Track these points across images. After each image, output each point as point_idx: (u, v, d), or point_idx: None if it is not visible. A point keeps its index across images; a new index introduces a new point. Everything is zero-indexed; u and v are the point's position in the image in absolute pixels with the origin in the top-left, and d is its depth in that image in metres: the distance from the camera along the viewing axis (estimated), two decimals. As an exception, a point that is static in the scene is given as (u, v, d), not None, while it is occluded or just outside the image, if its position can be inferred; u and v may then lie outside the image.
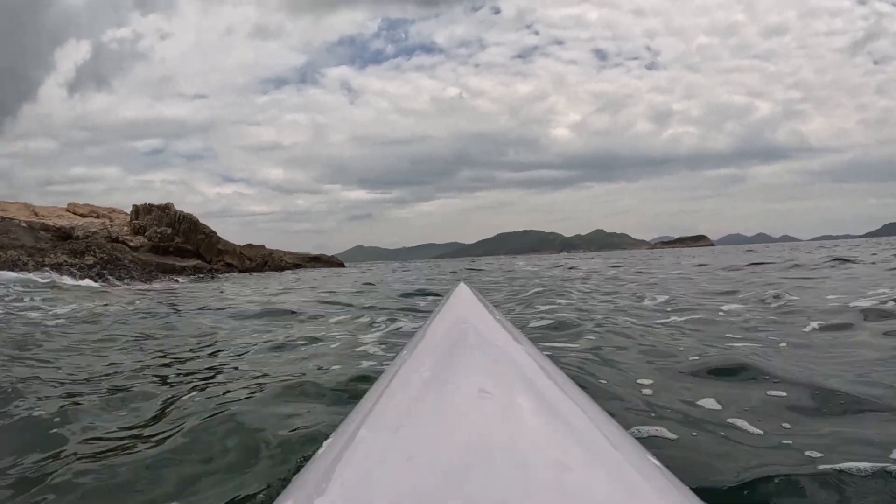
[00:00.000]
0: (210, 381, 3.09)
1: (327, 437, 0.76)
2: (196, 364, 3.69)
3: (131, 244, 36.65)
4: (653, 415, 2.12)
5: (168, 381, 3.12)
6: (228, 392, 2.73)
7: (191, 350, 4.27)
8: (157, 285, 17.67)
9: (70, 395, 2.76)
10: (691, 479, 1.45)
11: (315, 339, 4.41)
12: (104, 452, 1.96)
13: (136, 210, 38.61)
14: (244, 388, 2.80)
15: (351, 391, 2.55)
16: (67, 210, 44.09)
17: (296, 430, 2.08)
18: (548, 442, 0.62)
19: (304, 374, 3.06)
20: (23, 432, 2.21)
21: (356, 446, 0.65)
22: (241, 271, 35.82)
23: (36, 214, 41.57)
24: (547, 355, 1.18)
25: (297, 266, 36.45)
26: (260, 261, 36.21)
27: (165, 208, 37.90)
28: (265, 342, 4.39)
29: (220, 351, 4.20)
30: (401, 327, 4.99)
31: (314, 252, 41.86)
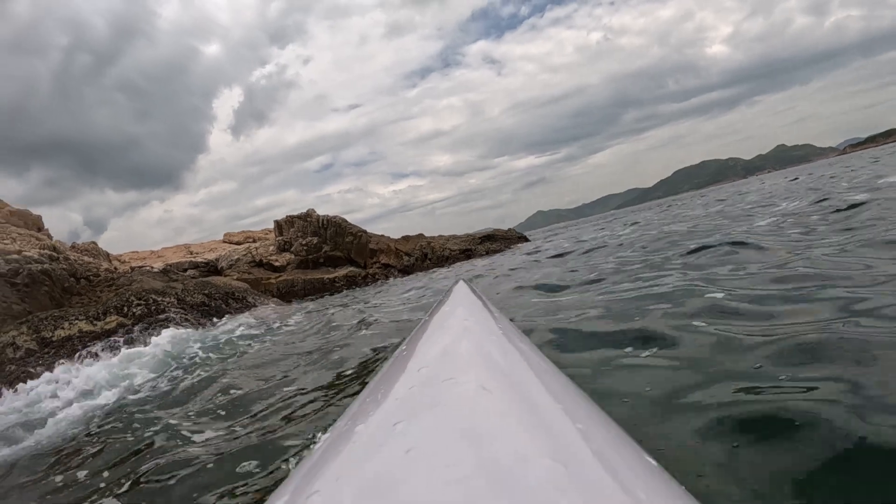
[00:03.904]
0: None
1: (324, 431, 0.65)
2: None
3: (276, 264, 29.48)
4: None
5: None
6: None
7: None
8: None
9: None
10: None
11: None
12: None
13: (279, 226, 31.45)
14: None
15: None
16: (223, 241, 39.12)
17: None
18: (546, 438, 0.59)
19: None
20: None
21: (353, 440, 0.63)
22: (400, 271, 26.81)
23: (191, 253, 36.81)
24: (544, 353, 1.14)
25: (465, 253, 26.59)
26: (419, 254, 26.95)
27: (307, 216, 30.16)
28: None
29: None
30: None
31: (493, 227, 31.53)
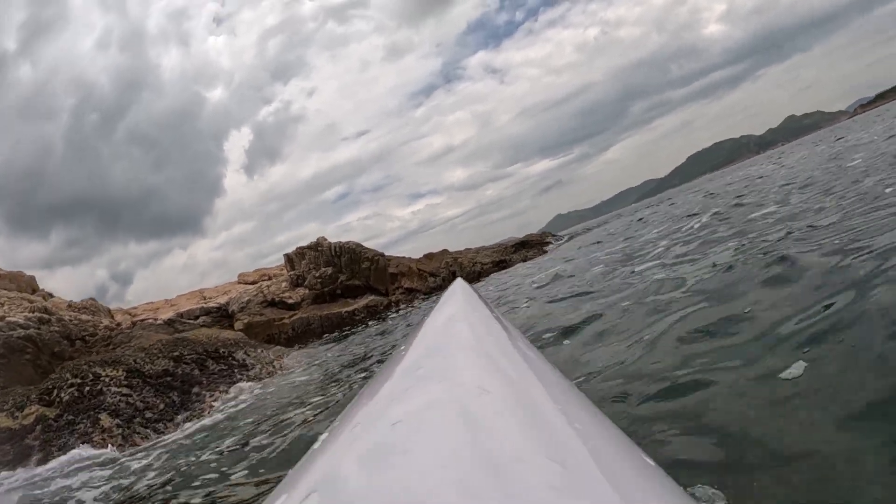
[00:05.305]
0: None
1: (323, 432, 0.70)
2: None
3: (290, 301, 26.17)
4: None
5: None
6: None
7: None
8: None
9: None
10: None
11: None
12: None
13: (290, 260, 28.18)
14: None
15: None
16: (238, 282, 36.07)
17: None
18: (545, 439, 0.58)
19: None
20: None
21: (351, 441, 0.62)
22: (426, 295, 23.24)
23: (204, 298, 33.83)
24: (543, 353, 1.12)
25: (500, 265, 22.88)
26: (445, 273, 23.29)
27: (317, 246, 26.86)
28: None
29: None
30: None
31: (513, 236, 27.77)
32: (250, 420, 6.33)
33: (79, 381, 8.78)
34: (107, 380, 8.77)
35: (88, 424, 7.53)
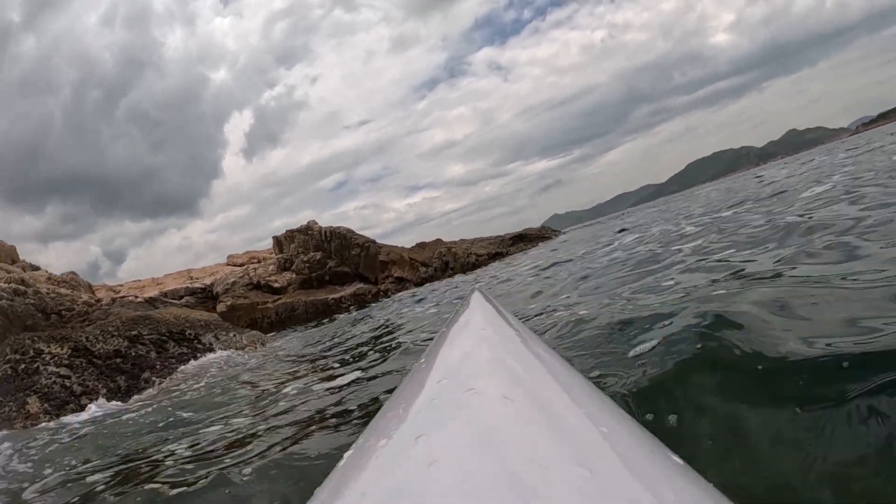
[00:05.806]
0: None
1: (349, 446, 0.71)
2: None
3: (276, 285, 25.21)
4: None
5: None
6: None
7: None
8: None
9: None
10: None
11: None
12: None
13: (278, 242, 27.18)
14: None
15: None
16: (227, 264, 35.11)
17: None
18: (571, 445, 0.58)
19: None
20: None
21: (377, 455, 0.62)
22: (417, 285, 22.30)
23: (191, 278, 32.89)
24: (564, 358, 1.07)
25: (496, 257, 21.95)
26: (438, 263, 22.35)
27: (307, 230, 25.86)
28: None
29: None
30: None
31: (517, 231, 26.83)
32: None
33: (17, 356, 7.82)
34: (46, 357, 7.80)
35: (14, 408, 6.58)
